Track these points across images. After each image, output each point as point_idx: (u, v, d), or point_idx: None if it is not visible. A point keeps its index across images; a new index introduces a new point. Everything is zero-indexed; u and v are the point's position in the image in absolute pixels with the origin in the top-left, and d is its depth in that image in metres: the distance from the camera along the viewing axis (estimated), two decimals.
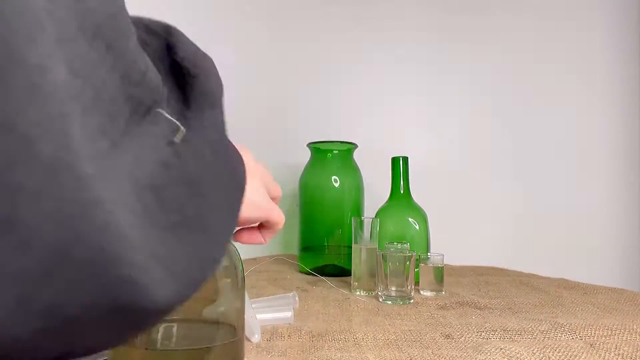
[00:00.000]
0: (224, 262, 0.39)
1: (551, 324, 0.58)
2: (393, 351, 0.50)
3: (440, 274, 0.78)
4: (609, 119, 1.25)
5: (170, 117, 0.22)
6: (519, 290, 0.80)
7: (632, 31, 1.26)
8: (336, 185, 0.96)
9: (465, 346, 0.51)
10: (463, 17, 1.26)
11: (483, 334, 0.55)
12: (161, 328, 0.36)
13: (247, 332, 0.50)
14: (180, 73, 0.26)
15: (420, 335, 0.55)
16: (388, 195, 0.92)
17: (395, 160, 0.91)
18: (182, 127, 0.23)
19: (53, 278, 0.15)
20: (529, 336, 0.54)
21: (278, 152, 1.21)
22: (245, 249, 0.57)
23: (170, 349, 0.37)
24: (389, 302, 0.72)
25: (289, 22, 1.25)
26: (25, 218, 0.14)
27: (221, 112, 0.28)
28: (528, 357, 0.46)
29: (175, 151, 0.21)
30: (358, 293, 0.78)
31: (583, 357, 0.47)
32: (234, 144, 0.31)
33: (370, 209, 0.97)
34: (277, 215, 0.41)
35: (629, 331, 0.55)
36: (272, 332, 0.56)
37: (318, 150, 0.98)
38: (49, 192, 0.15)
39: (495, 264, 1.05)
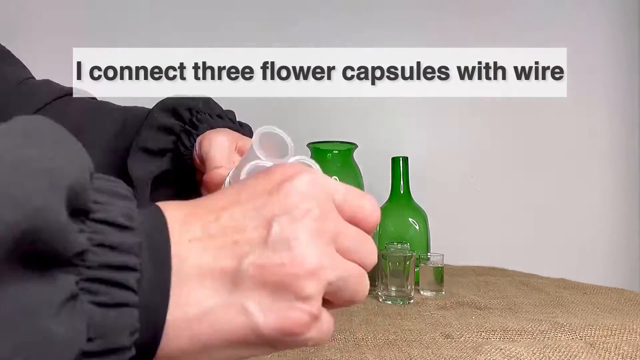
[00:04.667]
0: None
1: (551, 324, 0.58)
2: (393, 351, 0.50)
3: (440, 274, 0.78)
4: (609, 119, 1.25)
5: None
6: (519, 290, 0.80)
7: (632, 30, 1.26)
8: None
9: (465, 346, 0.51)
10: (463, 17, 1.26)
11: (483, 334, 0.55)
12: None
13: None
14: None
15: (420, 335, 0.55)
16: (388, 195, 0.92)
17: (395, 160, 0.91)
18: None
19: None
20: (529, 336, 0.54)
21: None
22: None
23: None
24: (389, 302, 0.72)
25: (289, 21, 1.25)
26: None
27: None
28: (528, 357, 0.46)
29: None
30: None
31: (583, 357, 0.47)
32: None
33: None
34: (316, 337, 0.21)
35: (629, 331, 0.55)
36: None
37: (318, 150, 0.98)
38: None
39: (495, 264, 1.05)
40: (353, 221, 0.24)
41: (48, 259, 0.16)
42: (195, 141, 0.44)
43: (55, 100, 0.49)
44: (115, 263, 0.17)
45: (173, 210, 0.21)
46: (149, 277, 0.19)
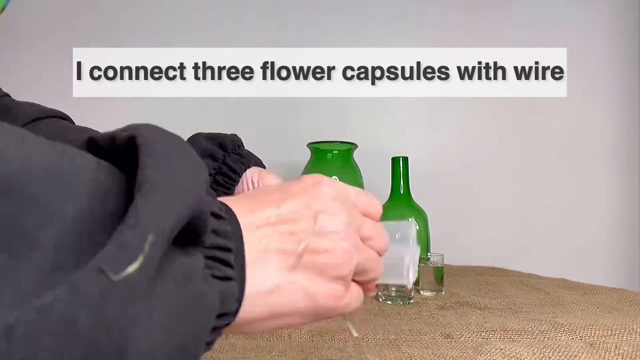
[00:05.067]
0: None
1: (551, 324, 0.58)
2: (393, 351, 0.50)
3: (440, 274, 0.78)
4: (609, 119, 1.25)
5: None
6: (519, 290, 0.80)
7: (632, 30, 1.26)
8: None
9: (465, 346, 0.51)
10: (463, 17, 1.26)
11: (483, 334, 0.55)
12: None
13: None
14: None
15: (420, 335, 0.55)
16: (388, 195, 0.92)
17: (395, 160, 0.91)
18: None
19: None
20: (529, 336, 0.54)
21: (278, 152, 1.21)
22: None
23: None
24: (389, 302, 0.72)
25: (289, 21, 1.25)
26: None
27: None
28: (528, 357, 0.46)
29: None
30: None
31: (583, 357, 0.47)
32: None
33: None
34: (348, 303, 0.27)
35: (629, 331, 0.55)
36: (271, 332, 0.56)
37: (318, 150, 0.98)
38: None
39: (495, 264, 1.05)
40: (365, 214, 0.30)
41: (185, 237, 0.19)
42: (243, 168, 0.51)
43: (37, 120, 0.48)
44: (222, 245, 0.21)
45: (236, 201, 0.25)
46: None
